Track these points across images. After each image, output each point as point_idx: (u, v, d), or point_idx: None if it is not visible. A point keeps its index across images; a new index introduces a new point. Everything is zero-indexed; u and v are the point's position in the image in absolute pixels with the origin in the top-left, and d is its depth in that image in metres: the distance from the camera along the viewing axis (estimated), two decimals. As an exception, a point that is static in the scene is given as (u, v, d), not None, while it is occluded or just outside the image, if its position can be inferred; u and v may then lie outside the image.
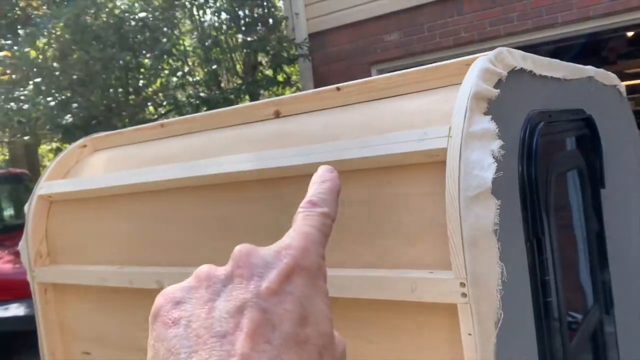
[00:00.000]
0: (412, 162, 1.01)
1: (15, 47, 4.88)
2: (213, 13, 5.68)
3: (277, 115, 1.45)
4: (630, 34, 6.94)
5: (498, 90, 1.02)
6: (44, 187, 1.73)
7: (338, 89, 1.33)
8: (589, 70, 1.89)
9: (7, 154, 12.06)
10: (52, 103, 4.39)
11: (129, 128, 1.80)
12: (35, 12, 4.26)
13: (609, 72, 2.20)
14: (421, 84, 1.20)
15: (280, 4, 6.50)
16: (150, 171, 1.44)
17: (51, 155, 14.26)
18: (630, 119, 2.53)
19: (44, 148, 12.66)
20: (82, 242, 1.67)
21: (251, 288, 0.32)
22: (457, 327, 0.96)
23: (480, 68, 1.04)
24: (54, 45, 4.41)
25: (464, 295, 0.93)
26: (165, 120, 1.64)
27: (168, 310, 0.33)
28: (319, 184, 0.40)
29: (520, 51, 1.26)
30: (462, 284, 0.92)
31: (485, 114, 1.01)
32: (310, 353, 0.31)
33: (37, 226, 1.72)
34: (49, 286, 1.72)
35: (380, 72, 5.94)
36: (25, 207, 1.76)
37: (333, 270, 1.10)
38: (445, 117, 1.06)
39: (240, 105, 1.53)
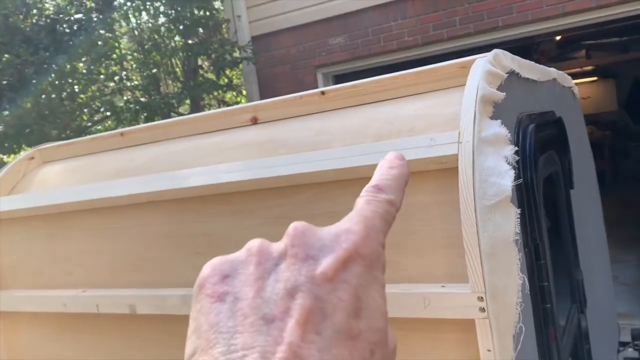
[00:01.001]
0: (418, 169, 0.96)
1: None
2: (151, 15, 5.46)
3: (255, 121, 1.36)
4: (558, 38, 7.27)
5: (504, 94, 0.98)
6: (-12, 204, 1.56)
7: (322, 93, 1.26)
8: (553, 72, 1.91)
9: None
10: (-20, 110, 4.08)
11: (83, 137, 1.65)
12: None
13: (566, 74, 2.25)
14: (414, 87, 1.15)
15: (220, 6, 6.34)
16: (116, 184, 1.31)
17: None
18: (582, 120, 2.61)
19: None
20: (36, 264, 1.51)
21: (304, 271, 0.29)
22: (473, 343, 0.91)
23: (483, 70, 1.00)
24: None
25: (482, 309, 0.88)
26: (125, 129, 1.51)
27: (215, 282, 0.30)
28: (386, 169, 0.37)
29: (508, 53, 1.23)
30: (480, 298, 0.87)
31: (492, 117, 0.97)
32: (361, 350, 0.28)
33: (-20, 248, 1.55)
34: (-3, 315, 1.54)
35: (326, 75, 5.91)
36: (-34, 228, 1.58)
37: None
38: (448, 121, 1.01)
39: (212, 111, 1.43)
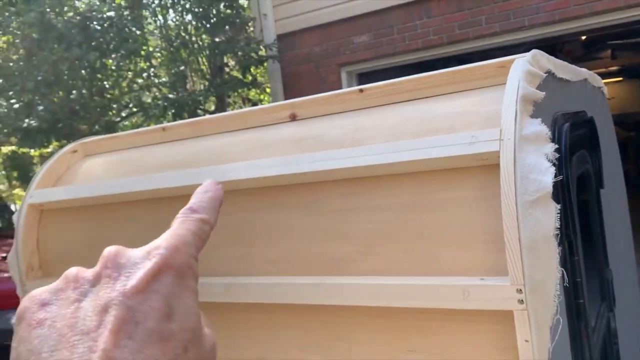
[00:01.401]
0: (459, 165, 0.99)
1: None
2: (179, 13, 5.54)
3: (293, 118, 1.40)
4: (583, 38, 7.20)
5: (544, 93, 1.00)
6: (34, 195, 1.63)
7: (361, 90, 1.29)
8: (585, 72, 1.92)
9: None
10: (16, 105, 4.18)
11: (125, 132, 1.71)
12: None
13: (596, 75, 2.26)
14: (451, 86, 1.18)
15: (246, 4, 6.41)
16: (161, 177, 1.36)
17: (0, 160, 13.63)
18: (610, 120, 2.60)
19: (-8, 152, 12.09)
20: (77, 253, 1.57)
21: (118, 287, 0.33)
22: (509, 334, 0.94)
23: (523, 70, 1.02)
24: (18, 45, 4.20)
25: (521, 301, 0.91)
26: (167, 124, 1.56)
27: (34, 312, 0.33)
28: (201, 193, 0.43)
29: (544, 53, 1.25)
30: (519, 291, 0.90)
31: (532, 116, 0.99)
32: (174, 348, 0.32)
33: (27, 237, 1.61)
34: (41, 301, 1.61)
35: (349, 74, 5.94)
36: (14, 217, 1.65)
37: (373, 278, 1.07)
38: (487, 120, 1.04)
39: (251, 108, 1.47)
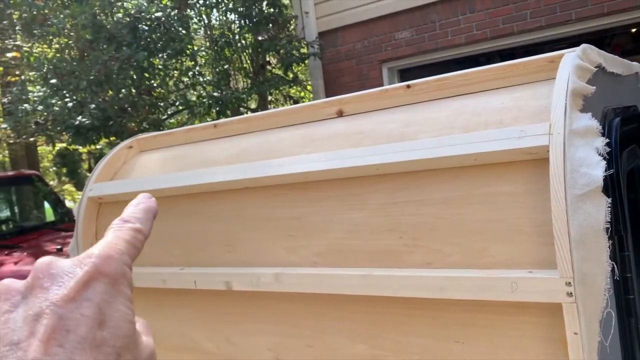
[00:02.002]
0: (508, 160, 1.00)
1: (25, 48, 4.83)
2: (223, 13, 5.65)
3: (340, 114, 1.43)
4: (633, 30, 6.96)
5: (594, 87, 1.01)
6: (94, 189, 1.71)
7: (408, 86, 1.32)
8: (636, 66, 1.88)
9: (7, 155, 11.95)
10: (70, 104, 4.36)
11: (179, 129, 1.78)
12: (52, 13, 4.22)
13: (647, 69, 2.20)
14: (500, 81, 1.19)
15: (288, 3, 6.48)
16: (213, 171, 1.42)
17: (51, 156, 14.16)
18: (663, 115, 2.53)
19: (43, 149, 12.57)
20: (134, 244, 1.65)
21: (50, 296, 0.33)
22: (556, 326, 0.95)
23: (573, 64, 1.03)
24: (72, 45, 4.37)
25: (569, 294, 0.91)
26: (219, 121, 1.62)
27: None
28: (134, 206, 0.43)
29: (594, 47, 1.25)
30: (569, 283, 0.91)
31: (581, 110, 1.00)
32: (106, 354, 0.33)
33: (87, 228, 1.70)
34: (100, 289, 1.69)
35: (391, 70, 5.93)
36: (74, 209, 1.74)
37: (421, 270, 1.09)
38: (536, 114, 1.05)
39: (300, 104, 1.51)
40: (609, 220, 1.13)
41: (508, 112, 1.09)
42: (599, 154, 0.92)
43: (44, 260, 0.36)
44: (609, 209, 1.12)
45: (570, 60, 1.04)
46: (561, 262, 0.91)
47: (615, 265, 0.90)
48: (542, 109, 1.03)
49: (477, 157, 1.00)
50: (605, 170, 0.98)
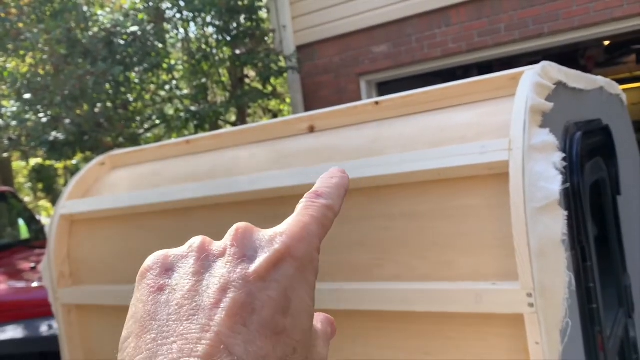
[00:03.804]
0: (470, 174, 1.03)
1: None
2: (200, 27, 5.66)
3: (311, 130, 1.45)
4: (606, 43, 7.14)
5: (552, 104, 1.04)
6: (66, 206, 1.70)
7: (376, 103, 1.34)
8: (600, 80, 1.94)
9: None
10: (44, 119, 4.32)
11: (150, 145, 1.78)
12: (26, 27, 4.19)
13: (613, 82, 2.26)
14: (464, 98, 1.22)
15: (266, 17, 6.51)
16: (184, 188, 1.42)
17: (25, 172, 13.94)
18: (630, 127, 2.60)
19: (18, 165, 12.39)
20: (106, 262, 1.64)
21: (239, 269, 0.32)
22: (520, 337, 0.98)
23: (532, 82, 1.06)
24: (46, 60, 4.34)
25: (531, 305, 0.94)
26: (190, 137, 1.63)
27: (156, 274, 0.32)
28: (327, 178, 0.40)
29: (555, 64, 1.29)
30: (529, 295, 0.94)
31: (540, 126, 1.03)
32: (284, 345, 0.31)
33: (59, 246, 1.69)
34: (72, 307, 1.68)
35: (369, 83, 5.99)
36: (47, 228, 1.73)
37: (390, 284, 1.11)
38: (498, 130, 1.08)
39: (271, 120, 1.53)
40: (569, 231, 1.16)
41: (471, 128, 1.12)
42: (557, 169, 0.95)
43: (240, 226, 0.33)
44: (571, 220, 1.15)
45: (530, 77, 1.08)
46: (522, 274, 0.94)
47: (576, 277, 0.93)
48: (503, 125, 1.06)
49: (441, 172, 1.03)
50: (563, 184, 1.01)
